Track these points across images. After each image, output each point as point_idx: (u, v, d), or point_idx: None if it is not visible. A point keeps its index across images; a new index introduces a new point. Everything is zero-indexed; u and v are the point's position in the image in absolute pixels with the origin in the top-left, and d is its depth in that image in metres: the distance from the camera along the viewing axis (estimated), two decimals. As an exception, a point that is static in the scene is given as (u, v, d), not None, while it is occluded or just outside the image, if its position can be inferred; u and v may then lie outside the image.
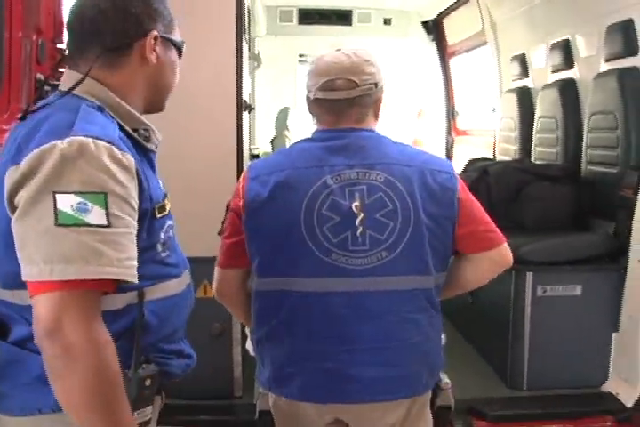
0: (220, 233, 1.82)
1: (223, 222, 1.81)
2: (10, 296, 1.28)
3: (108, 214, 1.19)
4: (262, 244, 1.69)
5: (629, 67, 3.06)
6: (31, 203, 1.17)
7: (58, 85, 1.40)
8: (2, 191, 1.22)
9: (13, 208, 1.20)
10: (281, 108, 5.90)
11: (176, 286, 1.42)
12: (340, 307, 1.65)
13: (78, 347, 1.15)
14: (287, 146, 2.07)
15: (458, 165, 5.08)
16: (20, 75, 2.37)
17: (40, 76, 2.44)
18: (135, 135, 1.36)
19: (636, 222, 2.79)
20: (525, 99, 4.18)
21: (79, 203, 1.17)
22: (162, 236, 1.36)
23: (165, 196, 1.40)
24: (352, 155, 1.68)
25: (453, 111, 5.47)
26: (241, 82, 2.66)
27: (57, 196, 1.16)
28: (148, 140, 1.39)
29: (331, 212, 1.64)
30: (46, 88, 2.25)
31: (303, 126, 2.88)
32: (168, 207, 1.40)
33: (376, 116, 1.78)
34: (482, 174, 3.33)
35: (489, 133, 4.92)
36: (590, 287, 2.89)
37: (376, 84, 1.71)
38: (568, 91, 3.64)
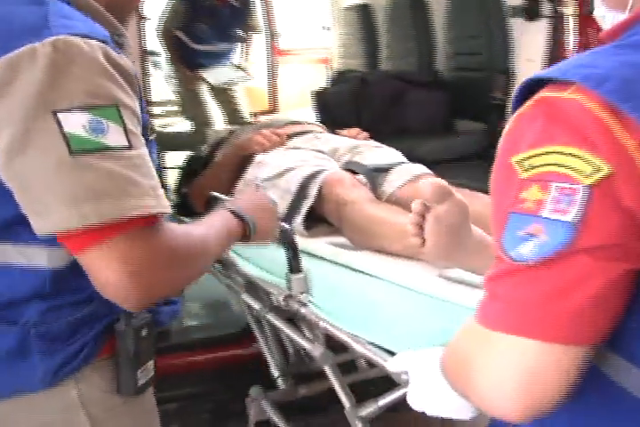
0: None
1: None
2: None
3: (126, 132, 0.92)
4: None
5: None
6: (23, 133, 0.87)
7: None
8: None
9: None
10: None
11: None
12: None
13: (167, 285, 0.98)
14: None
15: (287, 84, 5.27)
16: None
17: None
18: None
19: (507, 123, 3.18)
20: (366, 15, 4.40)
21: (91, 121, 0.89)
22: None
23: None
24: None
25: (273, 32, 5.53)
26: None
27: (59, 115, 0.88)
28: (121, 46, 1.07)
29: None
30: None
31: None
32: None
33: None
34: (362, 84, 3.51)
35: (320, 51, 5.10)
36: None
37: None
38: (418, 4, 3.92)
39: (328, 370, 1.53)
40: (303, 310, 1.46)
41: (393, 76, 3.59)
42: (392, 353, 1.18)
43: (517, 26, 3.19)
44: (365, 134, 2.35)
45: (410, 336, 1.22)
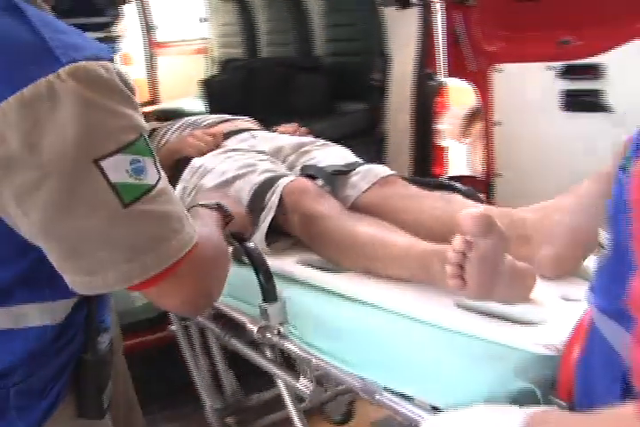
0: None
1: None
2: None
3: (155, 162, 0.85)
4: None
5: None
6: (68, 190, 0.77)
7: None
8: None
9: None
10: None
11: None
12: None
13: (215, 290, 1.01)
14: None
15: (167, 75, 5.35)
16: None
17: None
18: None
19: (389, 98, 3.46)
20: (244, 5, 4.57)
21: (131, 162, 0.80)
22: None
23: None
24: None
25: (149, 25, 5.59)
26: None
27: (102, 164, 0.77)
28: None
29: None
30: None
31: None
32: None
33: None
34: (248, 71, 3.70)
35: (198, 42, 5.23)
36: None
37: None
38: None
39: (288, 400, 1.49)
40: (287, 345, 1.36)
41: (277, 63, 3.80)
42: (407, 397, 1.12)
43: (391, 13, 3.47)
44: (304, 130, 2.24)
45: (432, 379, 1.10)
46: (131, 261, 0.81)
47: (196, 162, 1.88)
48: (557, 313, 1.15)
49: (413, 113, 3.34)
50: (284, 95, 3.67)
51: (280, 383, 1.50)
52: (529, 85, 3.12)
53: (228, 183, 1.73)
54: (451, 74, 3.55)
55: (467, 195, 1.71)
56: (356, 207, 1.68)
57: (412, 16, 3.35)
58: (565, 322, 1.05)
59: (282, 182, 1.65)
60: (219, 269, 1.01)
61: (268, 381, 1.70)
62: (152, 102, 5.35)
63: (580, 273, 1.31)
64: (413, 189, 1.71)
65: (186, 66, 5.29)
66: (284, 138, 2.04)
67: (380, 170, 1.78)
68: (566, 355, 0.97)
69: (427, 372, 1.12)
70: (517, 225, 1.32)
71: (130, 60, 5.58)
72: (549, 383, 1.00)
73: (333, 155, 1.91)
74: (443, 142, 3.50)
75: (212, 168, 1.82)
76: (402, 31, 3.40)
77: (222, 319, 1.69)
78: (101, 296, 1.04)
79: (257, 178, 1.71)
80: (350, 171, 1.78)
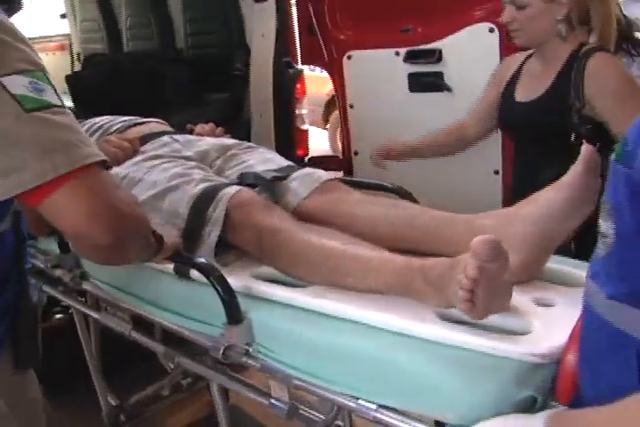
0: None
1: None
2: None
3: (56, 93, 0.98)
4: None
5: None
6: None
7: None
8: None
9: None
10: None
11: None
12: None
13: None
14: None
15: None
16: None
17: None
18: None
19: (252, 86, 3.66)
20: (104, 2, 4.66)
21: (30, 82, 0.94)
22: None
23: None
24: None
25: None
26: None
27: (2, 80, 0.91)
28: None
29: None
30: None
31: None
32: None
33: None
34: (113, 66, 3.80)
35: (57, 39, 5.24)
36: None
37: None
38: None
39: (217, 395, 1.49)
40: (259, 364, 1.31)
41: (140, 56, 3.92)
42: (405, 413, 1.12)
43: (249, 6, 3.65)
44: (220, 131, 2.13)
45: (430, 393, 1.09)
46: (42, 160, 0.91)
47: (117, 171, 1.72)
48: (539, 320, 1.20)
49: (274, 99, 3.57)
50: (149, 87, 3.78)
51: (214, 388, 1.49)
52: (378, 70, 3.41)
53: (159, 197, 1.62)
54: (307, 62, 3.81)
55: (401, 194, 1.80)
56: (297, 214, 1.63)
57: (269, 8, 3.56)
58: (550, 329, 1.14)
59: (224, 195, 1.55)
60: (127, 206, 1.03)
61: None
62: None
63: (542, 275, 1.39)
64: (356, 194, 1.69)
65: (48, 63, 5.27)
66: (207, 141, 1.95)
67: (319, 174, 1.75)
68: (564, 361, 1.02)
69: (423, 387, 1.09)
70: (478, 231, 1.32)
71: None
72: (548, 389, 1.04)
73: (263, 158, 1.85)
74: (304, 126, 3.75)
75: (138, 179, 1.69)
76: (260, 23, 3.60)
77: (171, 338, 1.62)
78: None
79: (193, 190, 1.60)
80: (287, 176, 1.73)
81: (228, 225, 1.52)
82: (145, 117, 2.17)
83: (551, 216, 1.30)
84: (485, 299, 1.10)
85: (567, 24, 1.86)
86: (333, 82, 3.66)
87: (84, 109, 3.85)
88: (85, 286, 1.78)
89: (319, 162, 3.70)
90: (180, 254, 1.45)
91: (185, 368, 1.56)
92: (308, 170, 1.78)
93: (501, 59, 2.71)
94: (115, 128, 2.01)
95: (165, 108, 3.75)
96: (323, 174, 1.75)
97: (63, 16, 5.16)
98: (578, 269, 1.37)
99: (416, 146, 2.31)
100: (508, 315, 1.21)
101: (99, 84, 3.78)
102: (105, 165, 1.01)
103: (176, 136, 1.94)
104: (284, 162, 1.86)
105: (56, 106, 0.95)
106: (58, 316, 2.57)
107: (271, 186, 1.70)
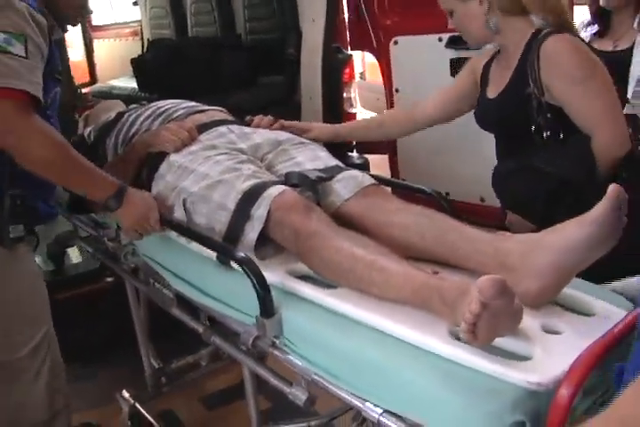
0: None
1: None
2: None
3: (26, 51, 1.53)
4: None
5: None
6: None
7: None
8: None
9: None
10: None
11: None
12: None
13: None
14: None
15: (105, 57, 5.62)
16: None
17: None
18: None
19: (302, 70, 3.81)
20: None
21: (5, 38, 1.51)
22: (50, 95, 1.70)
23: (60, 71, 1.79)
24: None
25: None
26: None
27: None
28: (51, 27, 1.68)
29: None
30: None
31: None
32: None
33: None
34: (175, 49, 4.01)
35: (130, 25, 5.51)
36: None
37: None
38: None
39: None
40: (284, 357, 1.40)
41: (201, 42, 4.12)
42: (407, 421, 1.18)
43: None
44: (277, 125, 2.14)
45: (432, 406, 1.14)
46: None
47: (173, 159, 1.88)
48: (542, 347, 1.22)
49: (323, 83, 3.69)
50: (208, 71, 3.98)
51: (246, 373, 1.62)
52: (422, 55, 3.49)
53: (211, 188, 1.72)
54: (356, 47, 3.92)
55: (437, 199, 1.86)
56: (337, 215, 1.70)
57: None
58: (551, 357, 1.17)
59: (269, 195, 1.63)
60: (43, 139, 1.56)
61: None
62: (91, 83, 5.60)
63: (555, 300, 1.40)
64: (395, 202, 1.74)
65: (121, 47, 5.55)
66: (261, 134, 2.00)
67: (363, 178, 1.80)
68: (558, 393, 1.04)
69: (426, 398, 1.15)
70: (502, 254, 1.42)
71: (69, 44, 5.82)
72: (537, 417, 1.07)
73: (312, 156, 1.91)
74: (352, 110, 3.87)
75: (192, 169, 1.80)
76: (312, 8, 3.70)
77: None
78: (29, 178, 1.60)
79: (241, 185, 1.69)
80: (332, 177, 1.79)
81: (270, 223, 1.61)
82: (203, 99, 2.31)
83: (573, 249, 1.32)
84: (487, 331, 1.16)
85: (500, 16, 1.82)
86: (380, 67, 3.77)
87: (148, 90, 4.11)
88: (135, 261, 1.99)
89: (366, 144, 3.85)
90: (218, 243, 1.64)
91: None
92: (353, 172, 1.82)
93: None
94: (177, 115, 2.12)
95: (222, 90, 3.95)
96: (366, 179, 1.80)
97: (135, 3, 5.41)
98: (590, 296, 1.39)
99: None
100: (514, 338, 1.24)
101: (160, 68, 3.99)
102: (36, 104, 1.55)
103: (232, 127, 2.01)
104: (332, 161, 1.90)
105: (14, 54, 1.50)
106: (109, 279, 2.74)
107: (315, 186, 1.75)
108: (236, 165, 1.77)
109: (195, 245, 1.72)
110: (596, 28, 2.97)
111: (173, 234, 1.81)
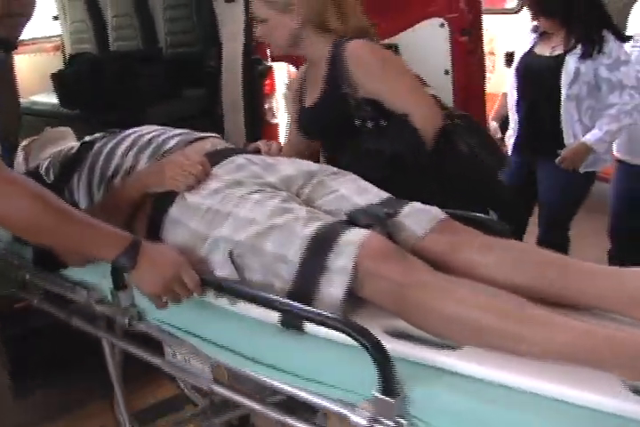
0: None
1: None
2: None
3: None
4: None
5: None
6: None
7: None
8: None
9: None
10: None
11: None
12: None
13: None
14: None
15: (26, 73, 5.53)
16: None
17: None
18: None
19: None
20: (92, 3, 4.85)
21: None
22: None
23: None
24: None
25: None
26: None
27: None
28: None
29: None
30: None
31: None
32: None
33: None
34: (94, 64, 3.98)
35: (54, 39, 5.45)
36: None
37: None
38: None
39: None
40: None
41: (121, 55, 4.10)
42: None
43: (221, 6, 3.81)
44: (276, 147, 2.00)
45: None
46: None
47: (192, 200, 1.58)
48: None
49: (245, 95, 3.73)
50: (129, 85, 3.95)
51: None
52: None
53: (261, 236, 1.44)
54: (276, 58, 3.96)
55: (500, 232, 1.66)
56: (414, 253, 1.48)
57: (238, 8, 3.71)
58: None
59: (348, 241, 1.38)
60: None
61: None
62: (12, 100, 5.50)
63: None
64: (479, 237, 1.56)
65: (42, 62, 5.47)
66: (286, 164, 1.76)
67: (436, 212, 1.60)
68: None
69: None
70: (631, 287, 1.34)
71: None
72: None
73: (356, 188, 1.69)
74: (274, 120, 3.90)
75: (226, 213, 1.51)
76: (231, 22, 3.76)
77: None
78: None
79: (303, 231, 1.42)
80: (398, 212, 1.58)
81: (357, 275, 1.36)
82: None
83: None
84: None
85: (310, 30, 2.03)
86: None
87: (70, 106, 4.07)
88: (145, 328, 1.62)
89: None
90: (281, 301, 1.31)
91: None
92: (418, 204, 1.62)
93: (452, 52, 2.86)
94: (170, 144, 1.83)
95: (143, 104, 3.93)
96: (438, 211, 1.61)
97: (56, 18, 5.35)
98: None
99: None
100: None
101: (80, 83, 3.95)
102: None
103: (249, 156, 1.76)
104: (382, 192, 1.69)
105: None
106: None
107: (387, 225, 1.54)
108: (283, 204, 1.50)
109: (243, 307, 1.43)
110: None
111: (211, 295, 1.48)
